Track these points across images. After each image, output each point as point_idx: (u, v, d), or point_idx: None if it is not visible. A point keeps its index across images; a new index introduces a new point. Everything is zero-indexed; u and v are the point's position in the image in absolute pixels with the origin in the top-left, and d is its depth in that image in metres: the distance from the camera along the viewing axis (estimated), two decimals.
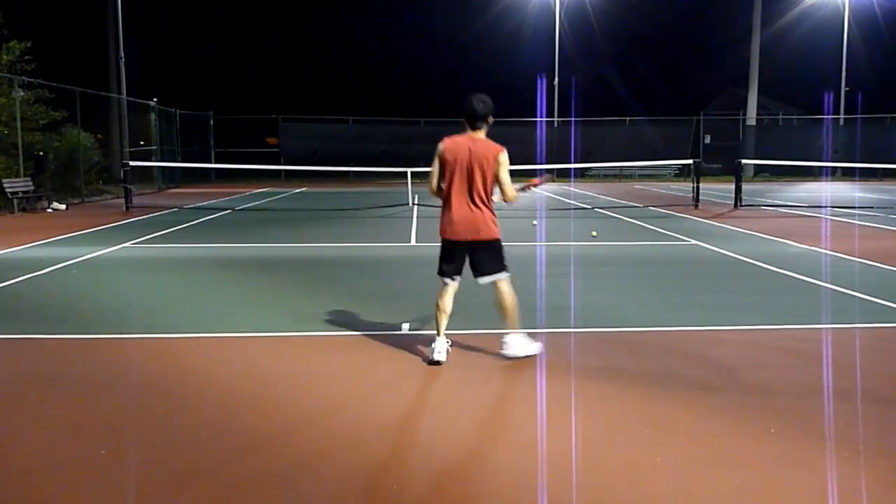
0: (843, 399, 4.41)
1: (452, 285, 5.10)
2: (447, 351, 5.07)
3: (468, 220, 4.88)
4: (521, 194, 5.19)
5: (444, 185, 4.93)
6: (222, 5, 53.53)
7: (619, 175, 35.23)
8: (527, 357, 5.11)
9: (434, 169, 4.97)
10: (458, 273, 5.09)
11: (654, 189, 27.47)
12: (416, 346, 5.60)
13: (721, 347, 5.57)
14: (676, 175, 35.96)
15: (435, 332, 5.14)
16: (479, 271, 5.04)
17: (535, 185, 5.67)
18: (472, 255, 5.00)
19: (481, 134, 4.95)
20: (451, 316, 6.54)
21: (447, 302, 5.09)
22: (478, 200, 4.87)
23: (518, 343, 5.12)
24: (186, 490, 3.30)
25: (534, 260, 9.83)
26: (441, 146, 4.94)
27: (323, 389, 4.63)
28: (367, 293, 7.67)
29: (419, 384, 4.74)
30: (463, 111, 4.92)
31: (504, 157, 4.91)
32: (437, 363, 4.99)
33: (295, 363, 5.17)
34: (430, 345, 5.11)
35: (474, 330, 6.04)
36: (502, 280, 5.07)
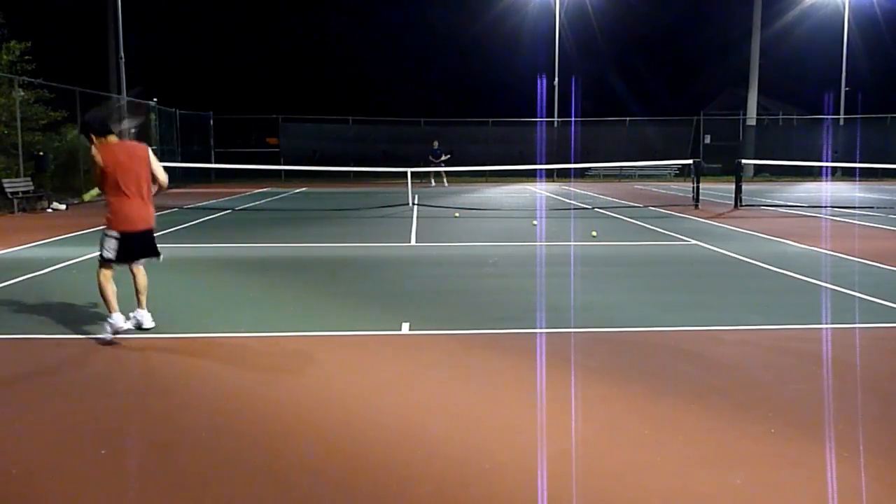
0: (843, 399, 4.42)
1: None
2: (128, 319, 5.79)
3: (144, 213, 5.84)
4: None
5: (109, 187, 5.70)
6: (223, 5, 53.54)
7: (619, 175, 35.22)
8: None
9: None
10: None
11: (654, 189, 27.47)
12: (416, 346, 5.60)
13: (721, 347, 5.57)
14: (676, 175, 35.96)
15: (109, 311, 5.65)
16: (140, 255, 5.94)
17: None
18: (140, 242, 5.86)
19: (115, 139, 5.79)
20: (452, 317, 6.59)
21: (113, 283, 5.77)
22: (146, 196, 5.86)
23: (147, 316, 5.97)
24: (186, 490, 3.30)
25: (534, 260, 9.83)
26: (99, 155, 5.65)
27: (323, 389, 4.63)
28: (367, 293, 7.67)
29: (419, 384, 4.74)
30: (99, 126, 5.74)
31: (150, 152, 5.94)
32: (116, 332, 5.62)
33: (295, 363, 5.17)
34: (107, 322, 5.62)
35: (474, 330, 6.04)
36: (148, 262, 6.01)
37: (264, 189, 26.82)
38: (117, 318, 5.62)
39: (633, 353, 5.44)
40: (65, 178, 20.99)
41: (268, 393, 4.54)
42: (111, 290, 5.69)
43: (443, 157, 27.50)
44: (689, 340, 5.76)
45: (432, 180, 28.59)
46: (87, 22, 32.98)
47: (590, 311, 6.74)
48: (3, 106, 18.49)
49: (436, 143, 28.40)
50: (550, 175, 33.69)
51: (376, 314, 6.60)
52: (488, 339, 5.79)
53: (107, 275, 5.72)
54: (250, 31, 58.20)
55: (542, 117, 35.76)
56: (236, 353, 5.42)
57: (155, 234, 6.00)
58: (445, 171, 26.97)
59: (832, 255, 10.16)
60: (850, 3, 37.17)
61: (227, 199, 21.82)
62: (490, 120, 36.17)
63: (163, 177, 6.02)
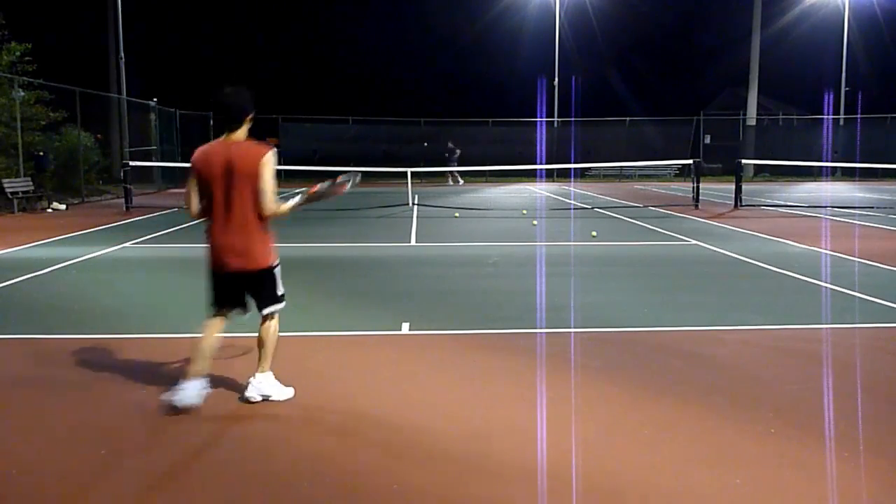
0: (843, 399, 4.41)
1: (221, 322, 4.40)
2: (200, 396, 4.16)
3: (234, 247, 4.20)
4: (301, 204, 4.36)
5: (203, 206, 4.24)
6: (223, 5, 53.57)
7: (619, 175, 35.19)
8: (282, 400, 4.33)
9: (189, 188, 4.22)
10: (235, 306, 4.44)
11: (654, 189, 27.46)
12: (416, 346, 5.60)
13: (721, 347, 5.57)
14: (676, 175, 35.95)
15: (196, 375, 4.20)
16: (259, 304, 4.41)
17: (334, 192, 4.37)
18: (248, 286, 4.33)
19: (240, 136, 4.14)
20: (452, 317, 6.57)
21: (210, 341, 4.31)
22: (244, 222, 4.15)
23: (270, 383, 4.35)
24: (186, 490, 3.30)
25: (534, 260, 9.83)
26: (192, 158, 4.14)
27: (323, 389, 4.63)
28: (367, 293, 7.67)
29: (419, 384, 4.74)
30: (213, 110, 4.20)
31: (269, 159, 4.11)
32: (181, 410, 4.07)
33: (295, 363, 5.17)
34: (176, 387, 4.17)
35: (474, 330, 6.04)
36: (276, 313, 4.43)
37: None
38: (185, 385, 4.12)
39: (633, 353, 5.43)
40: (65, 178, 20.99)
41: None
42: (204, 345, 4.28)
43: (455, 156, 28.80)
44: (689, 340, 5.76)
45: (450, 179, 29.72)
46: (87, 22, 33.00)
47: (590, 311, 6.74)
48: (4, 106, 18.49)
49: (450, 143, 29.40)
50: (550, 175, 33.66)
51: (376, 314, 6.60)
52: (488, 339, 5.79)
53: (208, 324, 4.39)
54: (250, 31, 58.27)
55: (542, 117, 35.74)
56: (236, 353, 5.42)
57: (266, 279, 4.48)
58: (459, 171, 28.05)
59: (832, 255, 10.16)
60: (850, 3, 37.16)
61: None
62: (490, 120, 36.15)
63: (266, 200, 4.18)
